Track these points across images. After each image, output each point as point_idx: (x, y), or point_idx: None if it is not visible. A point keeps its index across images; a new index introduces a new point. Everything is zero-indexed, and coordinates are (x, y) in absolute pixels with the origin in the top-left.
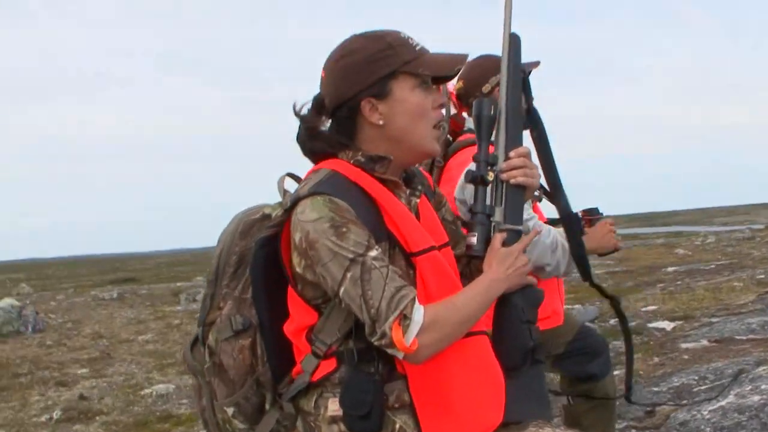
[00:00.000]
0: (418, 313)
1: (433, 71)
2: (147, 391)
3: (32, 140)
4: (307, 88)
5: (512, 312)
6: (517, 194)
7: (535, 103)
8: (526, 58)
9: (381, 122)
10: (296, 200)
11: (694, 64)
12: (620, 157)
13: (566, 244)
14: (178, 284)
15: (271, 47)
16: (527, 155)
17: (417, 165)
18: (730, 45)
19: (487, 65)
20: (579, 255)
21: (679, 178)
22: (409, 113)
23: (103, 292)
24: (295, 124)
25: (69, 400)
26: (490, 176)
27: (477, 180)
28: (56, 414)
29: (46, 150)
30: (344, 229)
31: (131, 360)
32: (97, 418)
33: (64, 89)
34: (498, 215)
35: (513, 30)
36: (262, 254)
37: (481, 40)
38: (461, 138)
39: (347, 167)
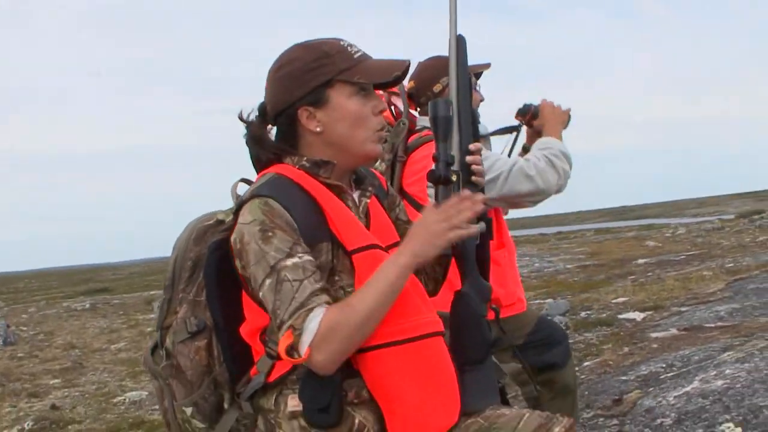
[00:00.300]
0: (313, 322)
1: (369, 78)
2: (120, 398)
3: None
4: None
5: (471, 307)
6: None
7: (498, 101)
8: (480, 56)
9: (319, 129)
10: (240, 204)
11: (662, 58)
12: (590, 153)
13: (539, 158)
14: (152, 293)
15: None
16: (479, 150)
17: (369, 166)
18: (699, 39)
19: (438, 66)
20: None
21: (649, 172)
22: (346, 120)
23: (75, 303)
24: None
25: (41, 411)
26: (454, 177)
27: (440, 180)
28: (27, 425)
29: (12, 162)
30: (270, 234)
31: (104, 369)
32: (70, 427)
33: (28, 102)
34: None
35: (460, 32)
36: (215, 257)
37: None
38: (415, 136)
39: (292, 171)
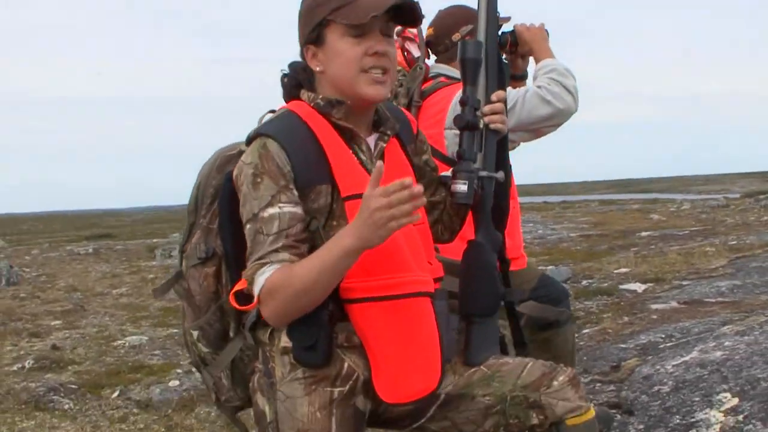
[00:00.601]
0: (261, 278)
1: (351, 19)
2: (120, 342)
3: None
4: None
5: (484, 259)
6: (493, 141)
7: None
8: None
9: (319, 69)
10: (248, 139)
11: (674, 33)
12: (597, 124)
13: (548, 82)
14: (154, 240)
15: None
16: (505, 100)
17: (397, 107)
18: (710, 15)
19: (458, 14)
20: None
21: (657, 146)
22: (337, 61)
23: (78, 247)
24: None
25: (41, 350)
26: (481, 123)
27: (468, 125)
28: (28, 363)
29: (21, 103)
30: (259, 180)
31: (105, 313)
32: (69, 367)
33: (28, 41)
34: (479, 161)
35: None
36: (228, 187)
37: None
38: (430, 81)
39: (305, 108)
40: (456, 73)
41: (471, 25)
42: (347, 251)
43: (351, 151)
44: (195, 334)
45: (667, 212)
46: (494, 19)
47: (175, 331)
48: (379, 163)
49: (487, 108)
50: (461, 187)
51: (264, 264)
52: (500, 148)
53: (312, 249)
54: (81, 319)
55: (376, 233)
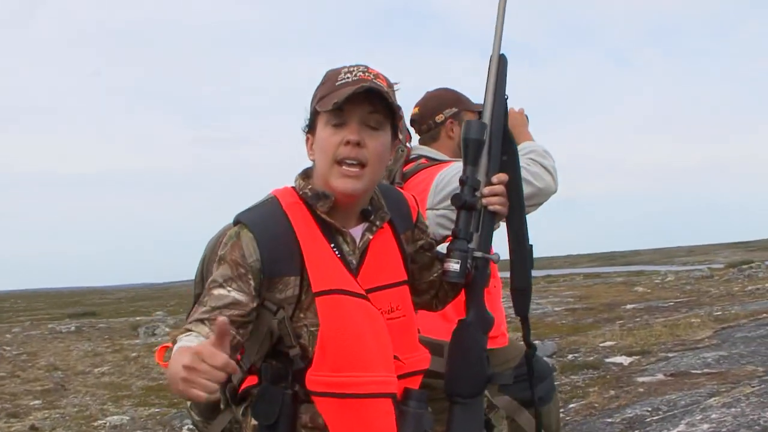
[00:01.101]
0: (179, 342)
1: (321, 107)
2: (101, 422)
3: None
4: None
5: (475, 340)
6: (491, 222)
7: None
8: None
9: (312, 158)
10: (234, 222)
11: (655, 104)
12: (580, 197)
13: (528, 163)
14: (138, 318)
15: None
16: (506, 183)
17: (400, 191)
18: (693, 87)
19: (445, 96)
20: (525, 287)
21: (640, 218)
22: (319, 150)
23: (60, 325)
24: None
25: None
26: (479, 203)
27: (465, 205)
28: None
29: (3, 180)
30: (221, 263)
31: (86, 392)
32: None
33: (18, 118)
34: (474, 242)
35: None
36: None
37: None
38: (412, 164)
39: (291, 197)
40: (437, 154)
41: (456, 108)
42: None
43: (331, 245)
44: (189, 402)
45: (652, 284)
46: (502, 102)
47: (157, 410)
48: (221, 319)
49: (486, 190)
50: (454, 266)
51: (189, 330)
52: (517, 208)
53: (279, 339)
54: (61, 398)
55: (176, 386)
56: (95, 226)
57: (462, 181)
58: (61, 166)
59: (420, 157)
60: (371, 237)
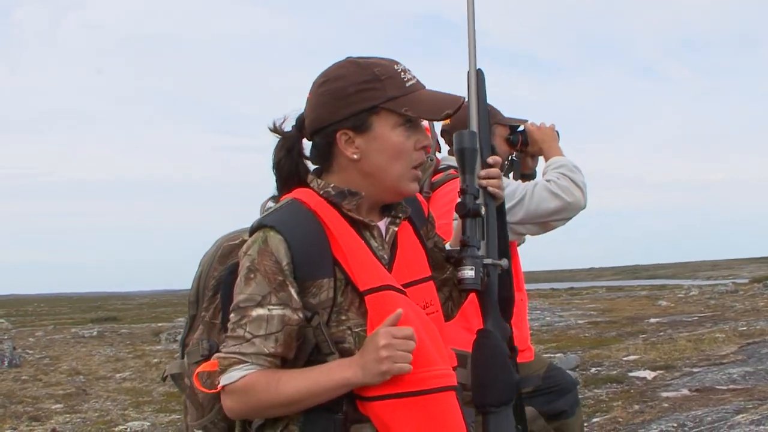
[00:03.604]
0: (236, 373)
1: (418, 113)
2: (121, 427)
3: (11, 176)
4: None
5: (497, 347)
6: (494, 229)
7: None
8: (517, 114)
9: (356, 156)
10: (252, 229)
11: (680, 119)
12: (604, 210)
13: (558, 177)
14: (159, 324)
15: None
16: (500, 164)
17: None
18: (718, 101)
19: None
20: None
21: (664, 232)
22: (387, 152)
23: (83, 329)
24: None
25: None
26: (483, 210)
27: (469, 213)
28: None
29: (31, 186)
30: (252, 276)
31: (107, 397)
32: None
33: (45, 125)
34: (482, 249)
35: (478, 66)
36: (230, 280)
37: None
38: (441, 174)
39: (312, 197)
40: None
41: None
42: (347, 383)
43: (364, 242)
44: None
45: (675, 298)
46: (484, 103)
47: (178, 417)
48: (399, 311)
49: (483, 172)
50: (469, 272)
51: (243, 362)
52: (499, 215)
53: (315, 348)
54: (83, 402)
55: (378, 370)
56: (118, 233)
57: (463, 190)
58: (86, 173)
59: (449, 167)
60: (396, 229)
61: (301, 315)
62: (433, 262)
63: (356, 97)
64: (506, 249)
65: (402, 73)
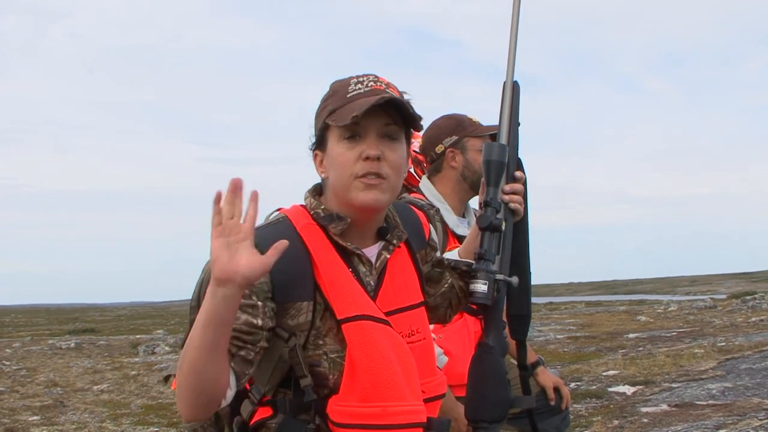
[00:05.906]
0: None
1: (336, 122)
2: None
3: None
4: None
5: (497, 363)
6: (509, 244)
7: None
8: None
9: (324, 175)
10: None
11: (658, 135)
12: (583, 226)
13: None
14: (138, 336)
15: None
16: (525, 181)
17: (410, 207)
18: (696, 117)
19: (443, 126)
20: (526, 314)
21: (643, 247)
22: (334, 166)
23: (60, 341)
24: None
25: None
26: (503, 225)
27: (490, 227)
28: None
29: (5, 196)
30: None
31: (85, 409)
32: None
33: (25, 135)
34: (496, 264)
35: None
36: None
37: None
38: (412, 195)
39: (303, 217)
40: (434, 194)
41: (455, 135)
42: (214, 292)
43: (348, 268)
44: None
45: (655, 313)
46: (516, 116)
47: (156, 429)
48: (284, 241)
49: (508, 187)
50: (481, 287)
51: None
52: (522, 232)
53: (290, 368)
54: (60, 415)
55: (216, 261)
56: (97, 243)
57: (486, 203)
58: (64, 183)
59: (420, 191)
60: (388, 256)
61: (263, 323)
62: (431, 282)
63: (319, 116)
64: (526, 265)
65: (352, 84)
